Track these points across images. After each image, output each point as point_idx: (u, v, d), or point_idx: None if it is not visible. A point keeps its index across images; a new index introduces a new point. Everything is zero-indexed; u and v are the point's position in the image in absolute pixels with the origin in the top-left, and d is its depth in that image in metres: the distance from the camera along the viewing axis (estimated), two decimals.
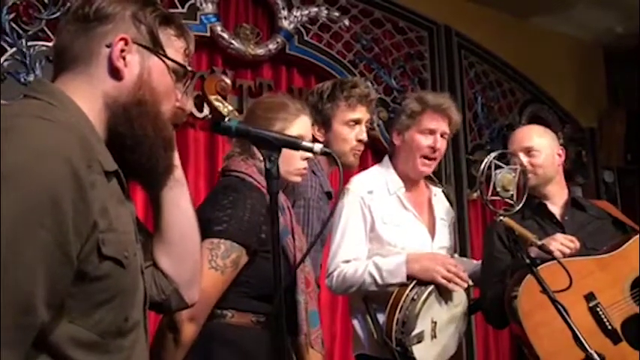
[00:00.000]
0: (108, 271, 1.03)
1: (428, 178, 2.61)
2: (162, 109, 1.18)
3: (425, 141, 2.45)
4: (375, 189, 2.46)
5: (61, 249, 0.94)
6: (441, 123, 2.46)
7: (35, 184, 0.93)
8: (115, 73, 1.14)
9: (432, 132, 2.45)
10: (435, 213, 2.53)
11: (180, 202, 1.32)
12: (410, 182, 2.51)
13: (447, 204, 2.65)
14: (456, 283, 2.26)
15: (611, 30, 5.05)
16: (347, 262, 2.35)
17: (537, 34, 4.88)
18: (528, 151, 2.51)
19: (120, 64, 1.13)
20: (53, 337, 0.98)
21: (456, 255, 2.71)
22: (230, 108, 3.39)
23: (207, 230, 1.65)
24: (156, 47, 1.17)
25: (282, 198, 1.90)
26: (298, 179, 1.96)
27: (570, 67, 5.06)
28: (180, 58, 1.21)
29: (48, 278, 0.93)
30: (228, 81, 3.44)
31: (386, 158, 2.59)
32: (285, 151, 1.60)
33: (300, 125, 1.91)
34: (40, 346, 0.97)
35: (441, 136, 2.47)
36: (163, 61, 1.18)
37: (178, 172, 1.33)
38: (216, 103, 3.37)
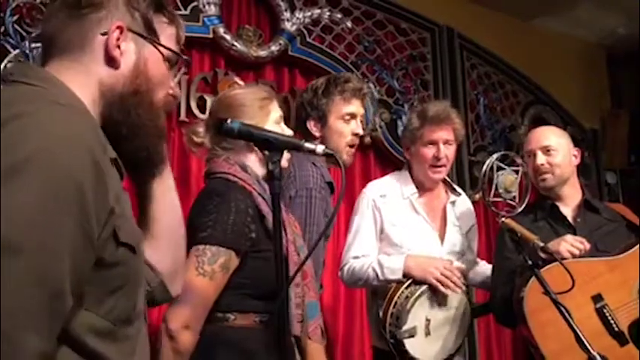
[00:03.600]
0: (122, 258, 1.02)
1: (448, 185, 2.72)
2: (156, 98, 1.17)
3: (429, 152, 2.58)
4: (388, 193, 2.63)
5: (85, 236, 0.93)
6: (440, 133, 2.58)
7: (60, 170, 0.91)
8: (111, 62, 1.12)
9: (434, 143, 2.57)
10: (447, 219, 2.62)
11: (166, 194, 1.31)
12: (425, 189, 2.66)
13: (468, 211, 2.72)
14: (448, 287, 2.38)
15: (613, 31, 5.05)
16: (356, 258, 2.54)
17: (540, 36, 4.88)
18: (547, 150, 2.53)
19: (116, 52, 1.12)
20: (73, 326, 0.96)
21: (479, 261, 2.80)
22: None
23: (193, 237, 1.65)
24: (151, 35, 1.16)
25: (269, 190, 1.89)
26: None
27: (573, 68, 5.05)
28: (172, 45, 1.20)
29: (73, 265, 0.92)
30: (241, 83, 3.45)
31: (404, 169, 2.73)
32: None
33: (277, 106, 1.91)
34: (60, 338, 0.94)
35: (445, 144, 2.57)
36: (158, 50, 1.17)
37: (166, 162, 1.31)
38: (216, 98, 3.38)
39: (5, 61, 2.87)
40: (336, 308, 3.64)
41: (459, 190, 2.74)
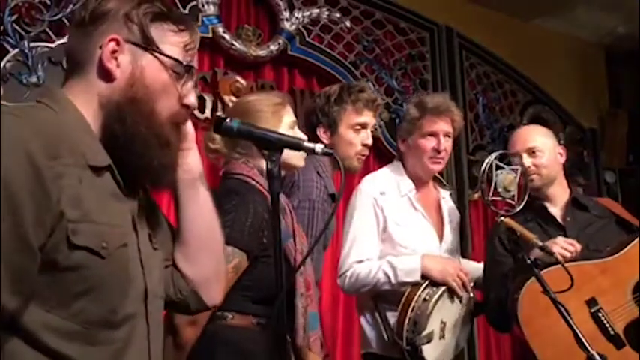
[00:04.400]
0: (82, 261, 1.03)
1: (437, 180, 2.65)
2: (157, 107, 1.16)
3: (428, 144, 2.49)
4: (387, 190, 2.50)
5: (19, 238, 0.96)
6: (441, 124, 2.49)
7: None
8: (107, 75, 1.14)
9: (434, 134, 2.49)
10: (443, 215, 2.57)
11: (196, 202, 1.30)
12: (420, 184, 2.55)
13: (454, 206, 2.68)
14: (466, 288, 2.33)
15: (612, 31, 5.05)
16: (360, 262, 2.38)
17: (539, 35, 4.88)
18: (532, 152, 2.49)
19: (111, 65, 1.13)
20: (27, 323, 0.99)
21: (462, 259, 2.75)
22: None
23: None
24: (148, 44, 1.16)
25: (283, 199, 1.89)
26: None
27: (572, 68, 5.06)
28: (177, 54, 1.19)
29: (8, 266, 0.95)
30: (243, 82, 3.46)
31: (396, 162, 2.63)
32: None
33: (290, 111, 1.93)
34: (13, 331, 0.99)
35: (445, 136, 2.50)
36: (158, 58, 1.17)
37: (197, 171, 1.32)
38: (231, 105, 3.39)
39: (4, 60, 2.88)
40: (336, 310, 3.64)
41: (444, 182, 2.70)
